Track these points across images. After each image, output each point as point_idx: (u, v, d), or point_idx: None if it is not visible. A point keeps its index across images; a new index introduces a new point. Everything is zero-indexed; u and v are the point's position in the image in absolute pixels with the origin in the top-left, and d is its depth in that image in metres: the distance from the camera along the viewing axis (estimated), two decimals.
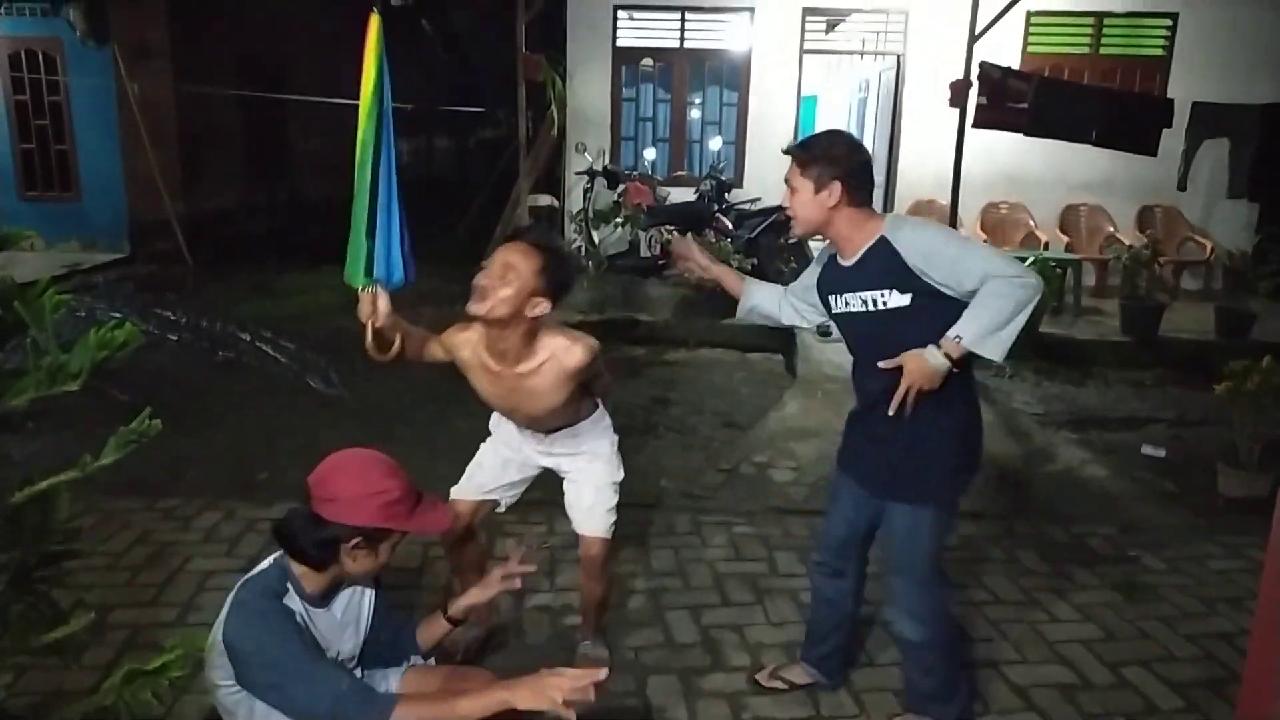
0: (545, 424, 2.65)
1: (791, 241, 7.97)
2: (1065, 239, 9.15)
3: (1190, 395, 6.05)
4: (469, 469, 2.84)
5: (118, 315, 7.23)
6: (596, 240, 9.23)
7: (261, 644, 1.76)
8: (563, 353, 2.40)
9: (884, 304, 2.27)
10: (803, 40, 9.40)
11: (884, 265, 2.26)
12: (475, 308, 2.28)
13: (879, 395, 2.32)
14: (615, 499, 2.75)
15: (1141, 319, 7.30)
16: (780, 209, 8.47)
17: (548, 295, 2.30)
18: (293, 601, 1.86)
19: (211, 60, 10.62)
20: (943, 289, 2.20)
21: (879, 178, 9.91)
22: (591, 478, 2.73)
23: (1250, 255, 8.43)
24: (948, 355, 2.17)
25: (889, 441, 2.37)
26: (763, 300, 2.75)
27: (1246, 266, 8.32)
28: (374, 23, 2.35)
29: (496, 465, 2.81)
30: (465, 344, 2.49)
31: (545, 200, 10.07)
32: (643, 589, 3.40)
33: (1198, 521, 4.14)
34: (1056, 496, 4.45)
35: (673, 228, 8.72)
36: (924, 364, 2.19)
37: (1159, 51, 9.23)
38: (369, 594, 2.05)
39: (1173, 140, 7.87)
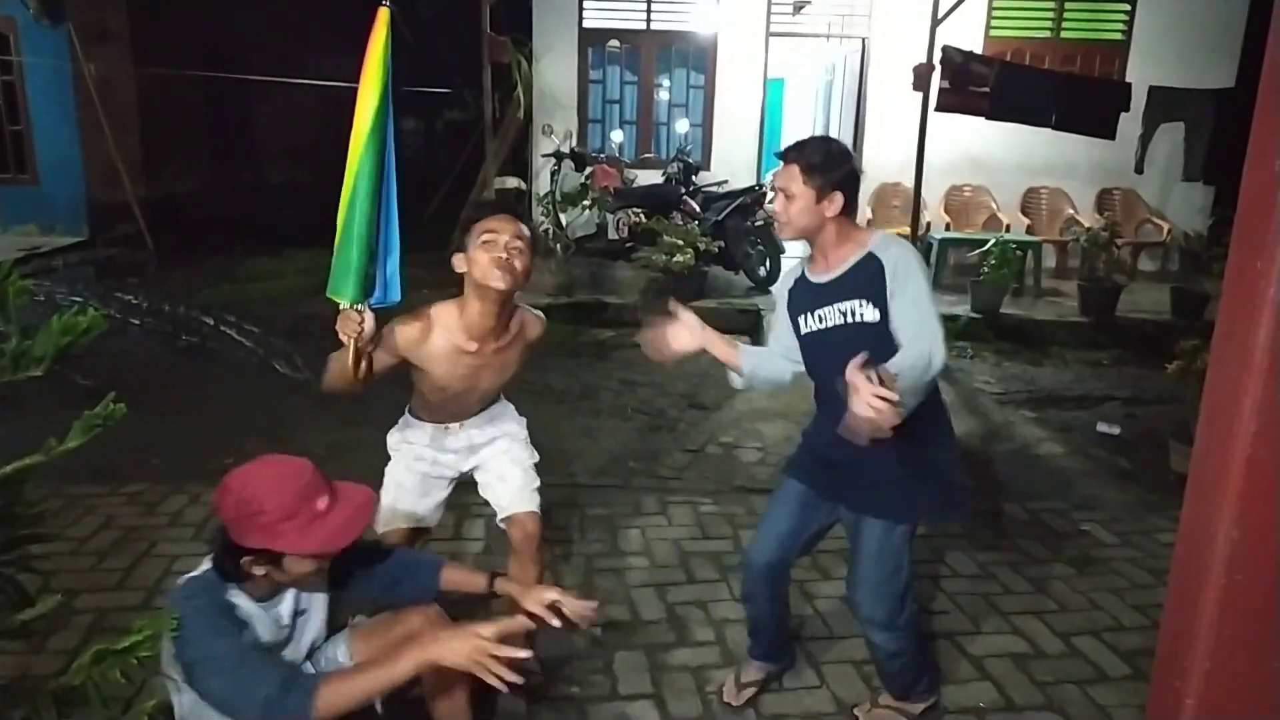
0: (483, 402, 2.65)
1: (758, 224, 8.02)
2: (1027, 222, 9.30)
3: (1145, 374, 6.20)
4: (386, 501, 2.62)
5: (78, 300, 7.14)
6: (564, 223, 9.23)
7: (193, 642, 1.73)
8: (529, 326, 2.58)
9: (860, 316, 2.23)
10: (769, 22, 9.43)
11: (865, 278, 2.22)
12: (505, 281, 2.32)
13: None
14: (538, 481, 2.71)
15: (1099, 300, 7.46)
16: (749, 190, 8.52)
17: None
18: (236, 596, 1.84)
19: (171, 41, 10.45)
20: (890, 313, 2.17)
21: None
22: (516, 460, 2.69)
23: (1205, 237, 8.61)
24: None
25: (868, 456, 2.14)
26: (763, 366, 2.53)
27: (1201, 248, 8.50)
28: (382, 16, 2.17)
29: (417, 486, 2.66)
30: (425, 334, 2.42)
31: (512, 183, 10.05)
32: (610, 567, 3.45)
33: (1150, 497, 4.26)
34: (1014, 474, 4.56)
35: (641, 211, 8.75)
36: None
37: (1118, 36, 9.37)
38: (321, 596, 2.06)
39: (1131, 124, 8.01)
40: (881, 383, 1.82)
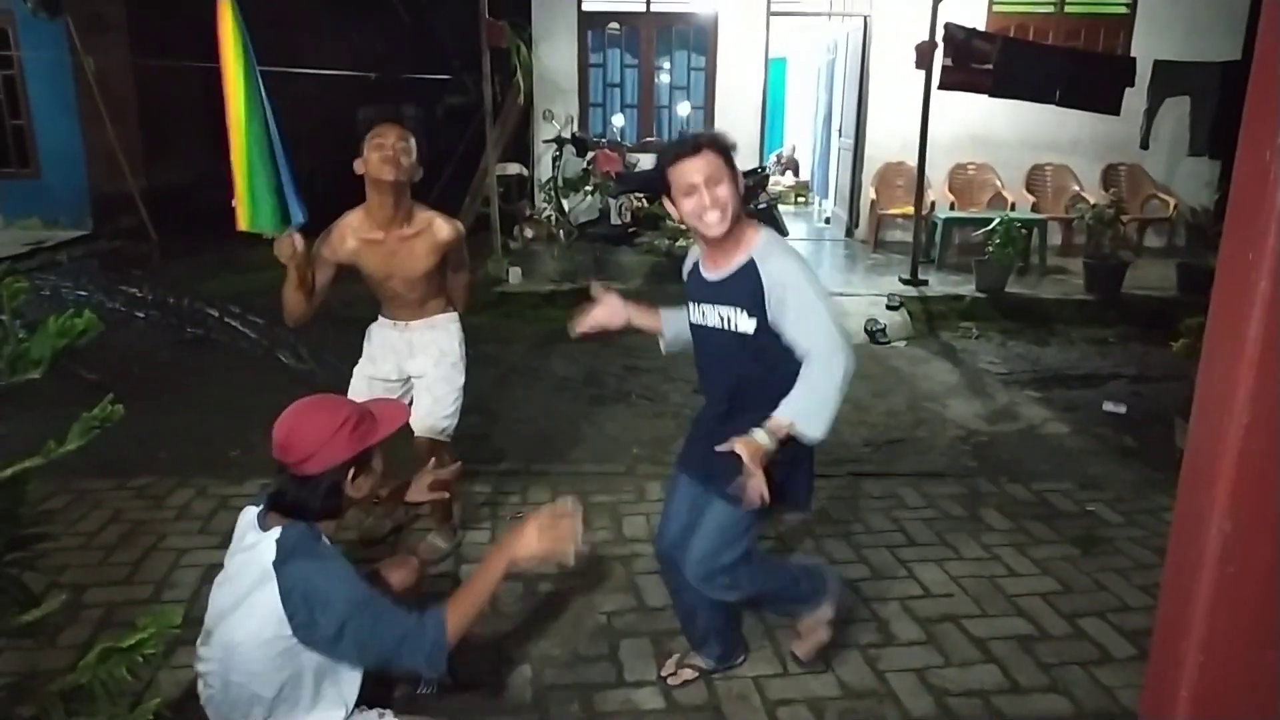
0: (412, 296, 3.14)
1: (760, 207, 7.99)
2: (1032, 199, 9.24)
3: (1151, 351, 6.18)
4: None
5: (83, 294, 7.17)
6: (566, 208, 9.20)
7: (338, 583, 1.87)
8: (439, 228, 3.09)
9: (735, 325, 2.28)
10: (769, 2, 9.35)
11: (745, 287, 2.24)
12: (391, 173, 2.91)
13: (722, 411, 2.39)
14: (454, 404, 3.21)
15: (1105, 277, 7.42)
16: (752, 173, 8.48)
17: (420, 163, 3.03)
18: (327, 542, 2.00)
19: (169, 32, 10.40)
20: (776, 329, 2.22)
21: (848, 140, 9.93)
22: (433, 383, 3.18)
23: (1211, 212, 8.55)
24: (773, 434, 2.16)
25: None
26: (684, 332, 2.58)
27: (1208, 223, 8.44)
28: (223, 4, 2.82)
29: (366, 392, 3.14)
30: (344, 236, 3.04)
31: (514, 169, 10.01)
32: (615, 555, 3.45)
33: (1155, 475, 4.25)
34: (1018, 454, 4.55)
35: (643, 196, 8.72)
36: (755, 447, 2.15)
37: (1122, 10, 9.27)
38: None
39: (1136, 99, 7.94)
40: (781, 440, 2.17)
